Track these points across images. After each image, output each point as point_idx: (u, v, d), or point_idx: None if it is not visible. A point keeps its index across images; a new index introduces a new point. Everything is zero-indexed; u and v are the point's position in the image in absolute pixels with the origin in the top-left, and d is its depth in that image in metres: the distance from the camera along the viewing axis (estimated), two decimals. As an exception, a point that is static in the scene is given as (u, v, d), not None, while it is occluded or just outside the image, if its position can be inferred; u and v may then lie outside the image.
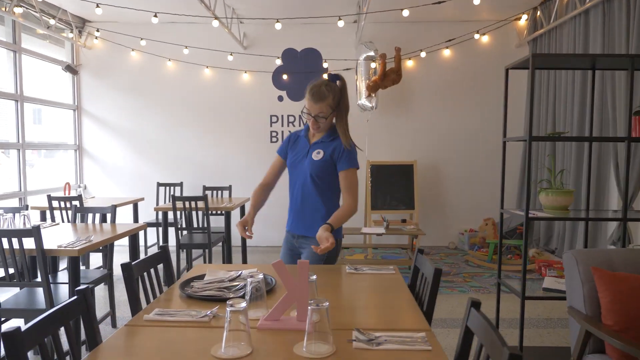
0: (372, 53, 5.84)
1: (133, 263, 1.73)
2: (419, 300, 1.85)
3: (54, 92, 6.21)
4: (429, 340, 1.37)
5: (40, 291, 2.96)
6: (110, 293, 3.60)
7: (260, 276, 1.59)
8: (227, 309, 1.30)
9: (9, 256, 2.67)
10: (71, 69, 6.21)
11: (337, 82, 2.32)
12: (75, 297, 1.39)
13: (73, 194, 6.19)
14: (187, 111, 6.57)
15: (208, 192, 5.96)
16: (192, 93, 6.55)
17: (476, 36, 6.25)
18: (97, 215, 3.84)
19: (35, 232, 2.57)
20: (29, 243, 2.67)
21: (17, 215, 3.25)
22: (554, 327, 3.70)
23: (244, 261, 5.52)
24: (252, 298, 1.57)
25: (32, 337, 1.19)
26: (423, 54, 6.25)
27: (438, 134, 6.52)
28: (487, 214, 6.55)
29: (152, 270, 1.92)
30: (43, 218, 4.59)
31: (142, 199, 5.63)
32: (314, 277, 1.60)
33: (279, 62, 6.47)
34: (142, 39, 6.23)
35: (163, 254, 2.00)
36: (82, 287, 1.40)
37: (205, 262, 5.69)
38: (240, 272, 2.00)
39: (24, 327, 1.16)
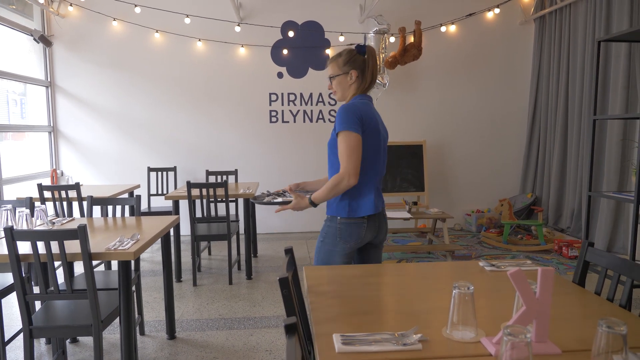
0: (384, 26, 5.50)
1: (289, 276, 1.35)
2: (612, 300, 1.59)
3: (21, 66, 5.43)
4: None
5: (61, 303, 2.47)
6: (138, 296, 3.14)
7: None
8: (505, 337, 0.97)
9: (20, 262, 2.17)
10: (45, 39, 5.44)
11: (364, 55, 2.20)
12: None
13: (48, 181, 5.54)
14: (177, 89, 5.98)
15: (211, 177, 5.47)
16: (183, 69, 5.96)
17: (489, 14, 6.05)
18: (94, 208, 3.32)
19: (81, 233, 2.09)
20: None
21: (21, 210, 2.72)
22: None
23: (255, 252, 5.12)
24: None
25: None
26: (443, 29, 5.98)
27: (442, 113, 6.32)
28: (494, 195, 6.47)
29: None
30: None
31: (138, 186, 5.06)
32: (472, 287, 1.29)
33: (292, 34, 5.97)
34: (136, 6, 5.54)
35: (292, 259, 1.62)
36: (289, 322, 1.01)
37: (210, 254, 5.25)
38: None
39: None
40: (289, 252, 1.62)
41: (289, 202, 2.16)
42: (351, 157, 2.02)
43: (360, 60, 2.18)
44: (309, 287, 1.66)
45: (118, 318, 2.52)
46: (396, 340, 1.22)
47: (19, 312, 3.58)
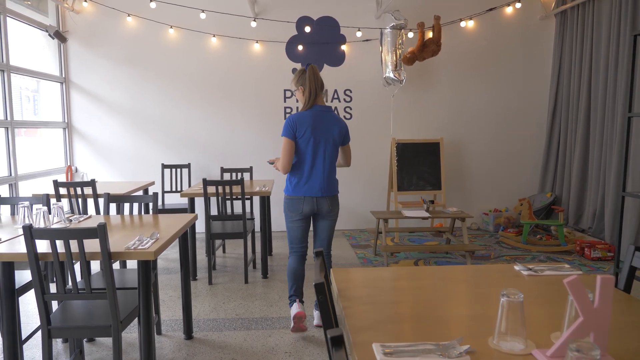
0: (401, 22, 5.40)
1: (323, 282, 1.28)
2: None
3: (36, 63, 5.40)
4: None
5: (79, 302, 2.41)
6: (155, 295, 3.09)
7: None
8: (570, 353, 0.89)
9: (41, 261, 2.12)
10: (60, 35, 5.41)
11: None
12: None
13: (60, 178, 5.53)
14: (191, 85, 5.93)
15: (226, 174, 5.42)
16: (198, 65, 5.91)
17: (508, 9, 5.92)
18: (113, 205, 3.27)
19: (101, 232, 2.04)
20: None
21: (38, 207, 2.68)
22: None
23: (270, 251, 5.06)
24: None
25: None
26: (463, 24, 5.87)
27: (460, 110, 6.20)
28: (512, 194, 6.35)
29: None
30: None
31: (153, 183, 5.02)
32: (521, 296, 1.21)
33: (308, 29, 5.90)
34: (151, 1, 5.47)
35: (323, 262, 1.55)
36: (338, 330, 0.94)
37: (224, 252, 5.20)
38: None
39: None
40: (319, 254, 1.54)
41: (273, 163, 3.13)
42: (284, 157, 2.94)
43: (304, 78, 2.93)
44: (340, 290, 1.59)
45: (136, 317, 2.47)
46: (441, 351, 1.14)
47: (34, 310, 3.56)
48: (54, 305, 3.31)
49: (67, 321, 2.20)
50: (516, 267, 1.89)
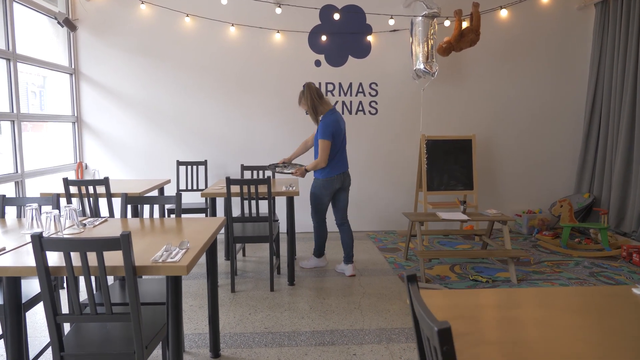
0: (434, 10, 5.03)
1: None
2: None
3: (45, 53, 5.07)
4: None
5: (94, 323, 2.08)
6: (178, 308, 2.75)
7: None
8: None
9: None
10: (69, 23, 5.08)
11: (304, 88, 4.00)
12: None
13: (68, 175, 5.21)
14: (208, 77, 5.58)
15: (246, 172, 5.07)
16: (215, 56, 5.56)
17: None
18: (139, 207, 2.94)
19: (124, 243, 1.70)
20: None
21: (49, 212, 2.36)
22: None
23: (293, 253, 4.71)
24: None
25: None
26: (504, 12, 5.49)
27: (492, 105, 5.83)
28: (545, 194, 5.99)
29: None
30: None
31: (169, 181, 4.69)
32: None
33: (337, 16, 5.51)
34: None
35: (417, 289, 1.20)
36: None
37: (244, 255, 4.87)
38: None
39: None
40: (412, 279, 1.19)
41: (293, 172, 3.98)
42: (327, 154, 3.86)
43: (313, 93, 3.98)
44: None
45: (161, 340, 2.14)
46: None
47: (41, 321, 3.24)
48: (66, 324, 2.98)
49: (83, 347, 1.87)
50: (635, 291, 1.54)
